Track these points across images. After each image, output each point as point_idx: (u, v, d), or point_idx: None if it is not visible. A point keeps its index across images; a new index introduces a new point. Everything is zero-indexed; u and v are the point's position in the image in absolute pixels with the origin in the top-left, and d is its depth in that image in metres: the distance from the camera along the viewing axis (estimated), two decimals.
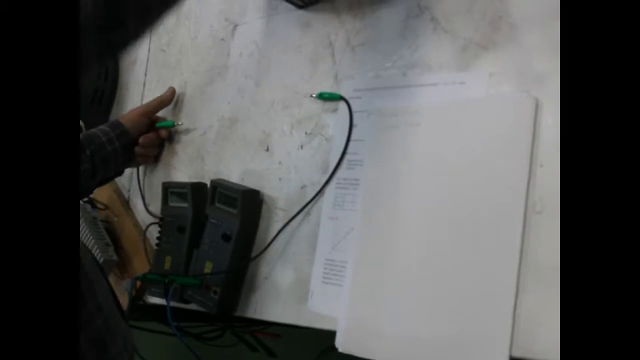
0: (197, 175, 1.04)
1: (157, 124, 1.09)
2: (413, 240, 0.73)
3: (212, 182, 0.95)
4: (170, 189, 1.02)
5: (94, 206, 1.16)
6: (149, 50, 1.18)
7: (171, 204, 1.02)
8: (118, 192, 1.17)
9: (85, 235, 1.10)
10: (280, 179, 0.90)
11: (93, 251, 1.08)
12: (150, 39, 1.18)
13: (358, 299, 0.76)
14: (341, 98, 0.84)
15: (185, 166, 1.07)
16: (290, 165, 0.89)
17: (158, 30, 1.18)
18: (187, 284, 0.93)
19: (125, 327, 0.85)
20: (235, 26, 1.03)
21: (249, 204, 0.90)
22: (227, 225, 0.91)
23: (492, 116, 0.69)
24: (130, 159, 1.08)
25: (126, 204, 1.15)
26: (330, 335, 0.78)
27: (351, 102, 0.83)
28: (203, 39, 1.00)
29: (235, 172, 0.97)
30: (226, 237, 0.90)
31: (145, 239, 1.08)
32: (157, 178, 1.11)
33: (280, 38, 0.94)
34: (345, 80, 0.85)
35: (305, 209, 0.85)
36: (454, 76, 0.74)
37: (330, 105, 0.86)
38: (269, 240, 0.88)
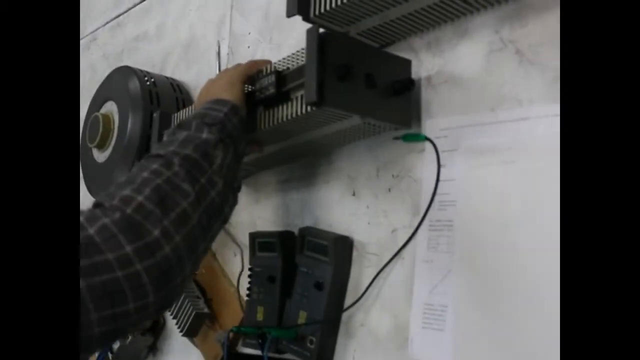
0: (282, 223, 1.03)
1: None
2: (518, 283, 0.71)
3: (300, 230, 0.94)
4: (257, 239, 1.02)
5: None
6: None
7: (259, 254, 1.01)
8: None
9: None
10: (369, 223, 0.89)
11: (185, 304, 1.08)
12: None
13: (463, 345, 0.74)
14: (426, 139, 0.82)
15: (270, 215, 1.07)
16: (378, 209, 0.88)
17: None
18: (282, 336, 0.92)
19: None
20: None
21: (340, 250, 0.89)
22: (319, 274, 0.90)
23: None
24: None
25: (213, 255, 1.16)
26: None
27: (437, 141, 0.81)
28: None
29: (321, 219, 0.97)
30: (319, 286, 0.89)
31: (237, 290, 1.08)
32: (242, 228, 1.11)
33: None
34: (430, 120, 0.84)
35: (400, 254, 0.83)
36: (547, 109, 0.72)
37: (415, 145, 0.84)
38: (362, 286, 0.87)
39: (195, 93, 1.29)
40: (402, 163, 0.86)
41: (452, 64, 0.83)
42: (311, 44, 0.76)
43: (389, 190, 0.87)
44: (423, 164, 0.83)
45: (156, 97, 1.21)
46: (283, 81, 0.84)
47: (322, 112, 0.78)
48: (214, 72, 1.24)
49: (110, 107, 1.26)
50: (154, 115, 1.11)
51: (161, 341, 1.27)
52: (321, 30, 0.76)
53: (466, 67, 0.81)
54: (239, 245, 1.11)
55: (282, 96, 0.84)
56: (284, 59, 0.86)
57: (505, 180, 0.74)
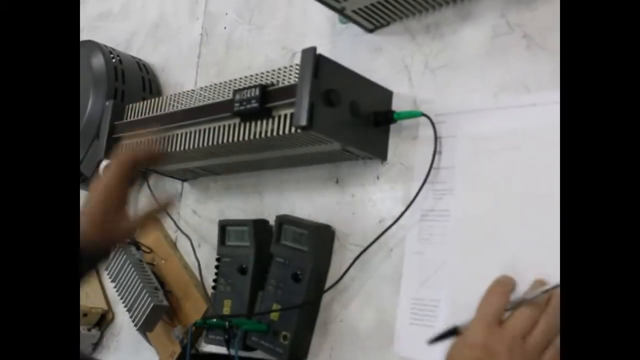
0: (254, 212, 0.97)
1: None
2: (519, 277, 0.67)
3: (277, 218, 0.88)
4: (228, 227, 0.95)
5: (138, 248, 1.09)
6: (195, 83, 1.13)
7: (229, 243, 0.95)
8: (164, 233, 1.10)
9: (133, 279, 1.03)
10: (354, 213, 0.84)
11: (142, 296, 1.00)
12: (197, 71, 1.13)
13: None
14: (422, 115, 0.77)
15: (240, 203, 1.00)
16: (365, 197, 0.83)
17: (206, 61, 1.12)
18: (253, 330, 0.85)
19: None
20: (294, 54, 0.97)
21: (320, 240, 0.84)
22: (297, 264, 0.84)
23: None
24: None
25: (173, 245, 1.08)
26: None
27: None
28: (258, 69, 0.95)
29: (299, 207, 0.91)
30: (296, 277, 0.83)
31: (201, 282, 1.01)
32: (208, 216, 1.04)
33: (347, 64, 0.87)
34: (426, 105, 0.79)
35: (387, 245, 0.78)
36: (555, 95, 0.69)
37: (409, 132, 0.80)
38: (343, 278, 0.82)
39: (162, 75, 1.21)
40: (392, 149, 0.81)
41: (453, 48, 0.79)
42: (306, 66, 0.74)
43: (378, 177, 0.82)
44: (416, 151, 0.79)
45: (122, 75, 1.13)
46: (267, 97, 0.79)
47: (306, 135, 0.76)
48: (185, 54, 1.18)
49: None
50: (106, 103, 1.03)
51: (108, 338, 1.18)
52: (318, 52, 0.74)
53: (468, 51, 0.77)
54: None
55: (264, 112, 0.79)
56: (265, 72, 0.83)
57: (510, 168, 0.70)
